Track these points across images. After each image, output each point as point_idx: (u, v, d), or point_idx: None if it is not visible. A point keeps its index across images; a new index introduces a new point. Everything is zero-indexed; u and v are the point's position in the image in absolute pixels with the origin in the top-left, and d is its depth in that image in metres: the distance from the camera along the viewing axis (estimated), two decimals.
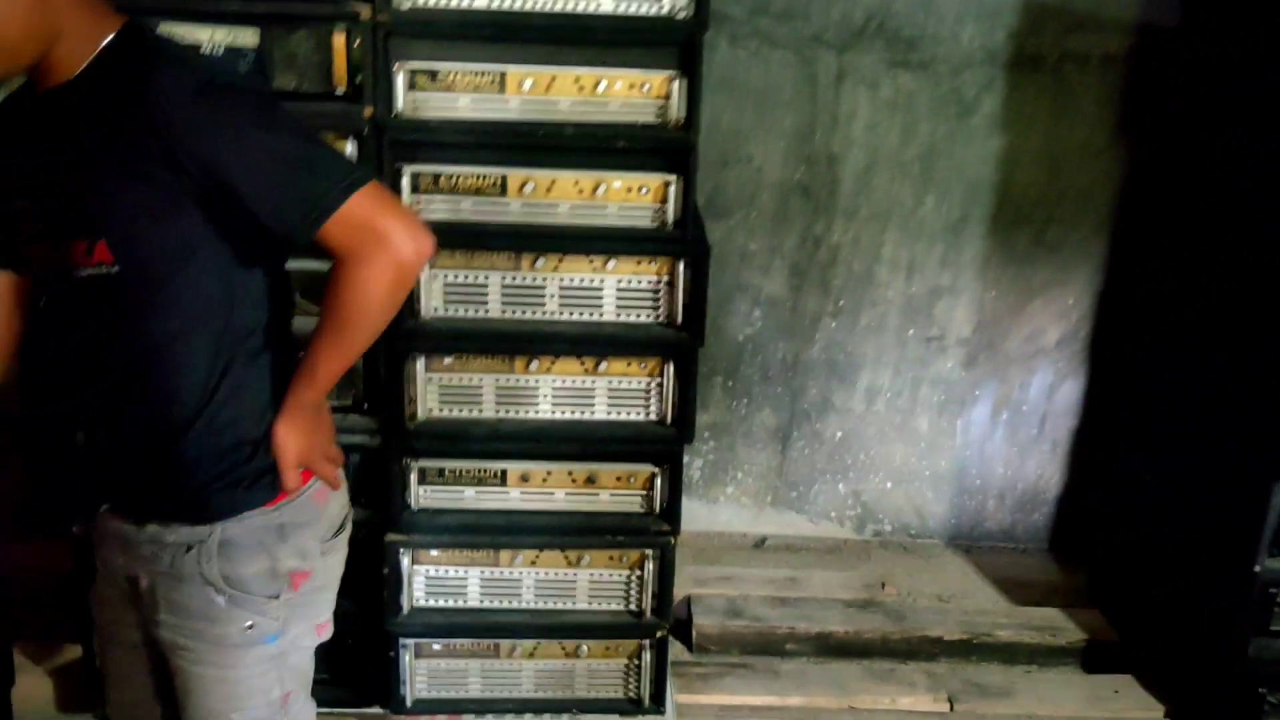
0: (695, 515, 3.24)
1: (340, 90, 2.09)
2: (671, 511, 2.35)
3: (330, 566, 1.63)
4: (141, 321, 1.40)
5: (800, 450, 3.24)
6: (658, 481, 2.33)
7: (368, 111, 2.09)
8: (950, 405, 3.19)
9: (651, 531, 2.34)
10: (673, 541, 2.34)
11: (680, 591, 2.88)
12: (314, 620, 1.62)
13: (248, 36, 2.09)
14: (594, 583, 2.40)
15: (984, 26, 2.89)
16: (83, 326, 1.44)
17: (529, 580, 2.39)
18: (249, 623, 1.51)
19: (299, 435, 1.48)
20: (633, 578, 2.39)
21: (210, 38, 2.10)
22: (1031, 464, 3.24)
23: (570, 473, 2.33)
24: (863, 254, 3.06)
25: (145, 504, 1.50)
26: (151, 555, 1.50)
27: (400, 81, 2.10)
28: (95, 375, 1.45)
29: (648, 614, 2.41)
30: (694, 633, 2.84)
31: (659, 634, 2.41)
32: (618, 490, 2.35)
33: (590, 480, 2.34)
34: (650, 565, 2.36)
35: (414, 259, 1.37)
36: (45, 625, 2.54)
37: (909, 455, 3.24)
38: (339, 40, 2.07)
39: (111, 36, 1.37)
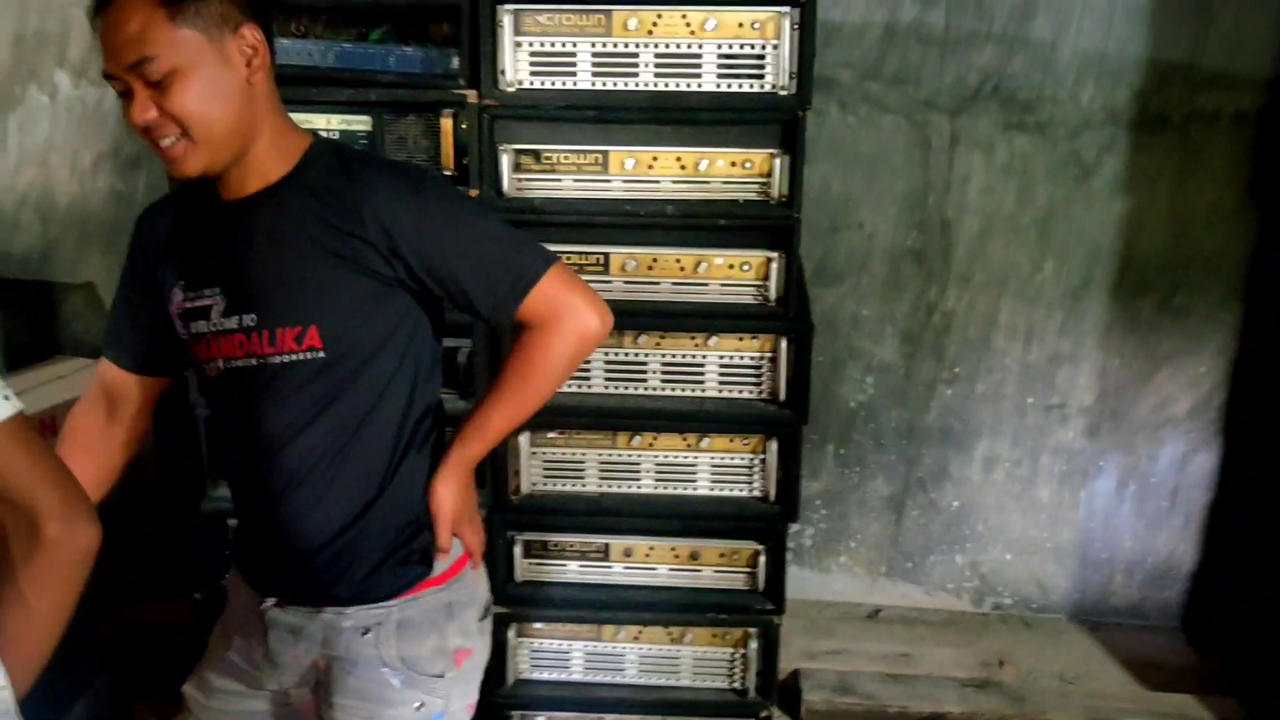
0: (807, 585, 3.18)
1: (448, 172, 2.15)
2: (775, 590, 2.31)
3: (485, 645, 1.66)
4: (339, 403, 1.46)
5: (915, 519, 3.16)
6: (761, 559, 2.30)
7: (474, 193, 2.14)
8: (1073, 475, 3.06)
9: (755, 610, 2.31)
10: (776, 621, 2.30)
11: (790, 664, 2.82)
12: (468, 699, 1.64)
13: (361, 122, 2.17)
14: (697, 659, 2.38)
15: (1105, 86, 2.80)
16: (278, 411, 1.47)
17: (632, 655, 2.38)
18: (419, 702, 1.53)
19: (456, 493, 1.53)
20: (736, 656, 2.36)
21: (326, 123, 2.19)
22: (1162, 538, 3.08)
23: (673, 548, 2.32)
24: (978, 320, 2.98)
25: (321, 589, 1.52)
26: (325, 640, 1.52)
27: (506, 163, 2.15)
28: (288, 458, 1.48)
29: (752, 693, 2.37)
30: (802, 709, 2.77)
31: (763, 714, 2.36)
32: (721, 567, 2.32)
33: (693, 556, 2.32)
34: (754, 644, 2.33)
35: (599, 329, 1.48)
36: (170, 685, 2.63)
37: (1029, 526, 3.12)
38: (446, 124, 2.13)
39: (309, 144, 1.47)
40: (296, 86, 2.13)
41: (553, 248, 2.15)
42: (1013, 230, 2.92)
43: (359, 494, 1.49)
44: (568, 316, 1.45)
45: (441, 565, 1.55)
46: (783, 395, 2.20)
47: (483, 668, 1.66)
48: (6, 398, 1.06)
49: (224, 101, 1.36)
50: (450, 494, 1.52)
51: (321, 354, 1.42)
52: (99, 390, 1.62)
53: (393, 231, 1.40)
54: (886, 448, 3.11)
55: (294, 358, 1.43)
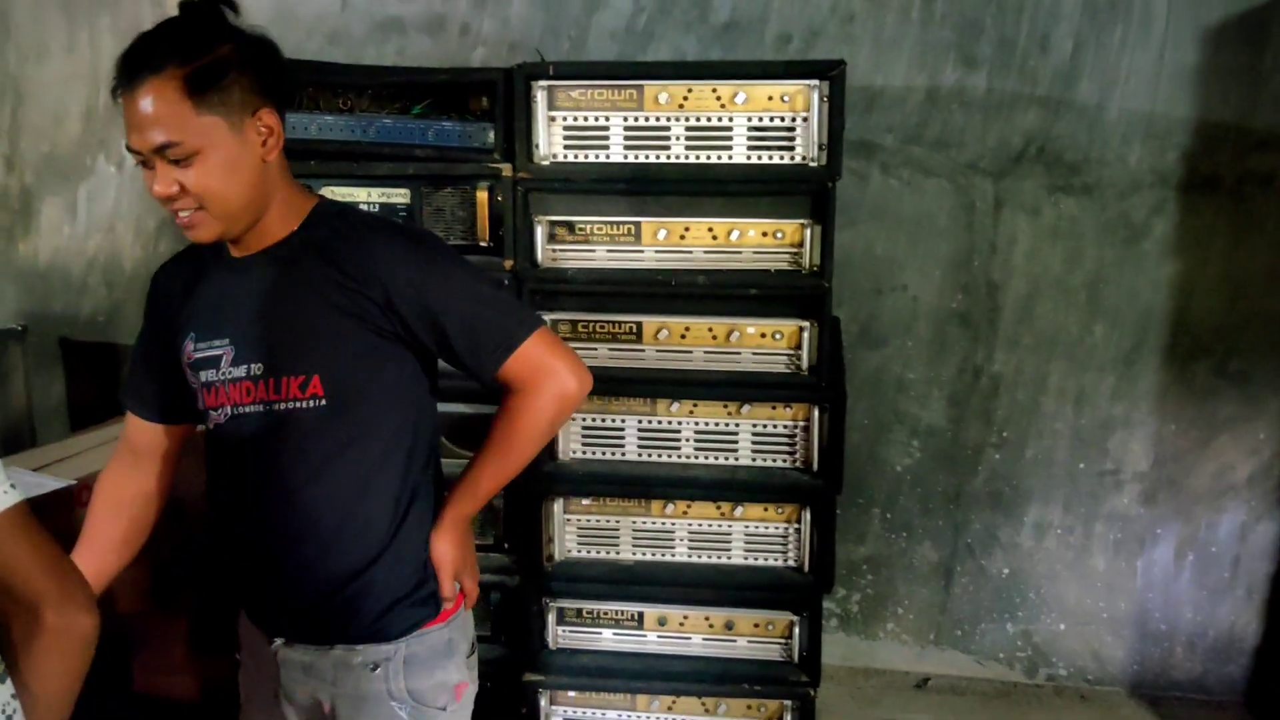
0: (854, 651, 3.12)
1: (484, 243, 2.19)
2: (811, 661, 2.28)
3: (475, 681, 1.70)
4: (345, 453, 1.51)
5: (965, 586, 3.09)
6: (796, 630, 2.27)
7: (509, 263, 2.17)
8: (1128, 544, 2.98)
9: (790, 681, 2.28)
10: (812, 693, 2.26)
11: None
12: None
13: (400, 195, 2.23)
14: None
15: (1153, 148, 2.76)
16: (286, 458, 1.52)
17: None
18: None
19: (457, 547, 1.60)
20: None
21: (367, 196, 2.25)
22: (1224, 610, 2.98)
23: (707, 617, 2.31)
24: (1027, 384, 2.93)
25: (332, 629, 1.56)
26: (335, 678, 1.56)
27: (540, 234, 2.18)
28: (297, 507, 1.52)
29: None
30: None
31: None
32: (756, 637, 2.30)
33: (728, 626, 2.30)
34: (789, 717, 2.29)
35: (577, 393, 1.53)
36: None
37: (1084, 596, 3.03)
38: (482, 196, 2.18)
39: (313, 207, 1.54)
40: (339, 161, 2.20)
41: (586, 317, 2.22)
42: (1061, 293, 2.87)
43: (368, 543, 1.53)
44: (548, 379, 1.51)
45: (436, 610, 1.60)
46: (816, 464, 2.19)
47: (473, 702, 1.70)
48: (8, 490, 1.09)
49: (240, 179, 1.43)
50: (450, 548, 1.59)
51: (324, 402, 1.47)
52: (125, 446, 1.69)
53: (389, 287, 1.45)
54: (934, 512, 3.05)
55: (298, 405, 1.47)
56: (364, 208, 2.21)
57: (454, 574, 1.59)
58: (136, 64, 1.38)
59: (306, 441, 1.49)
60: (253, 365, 1.49)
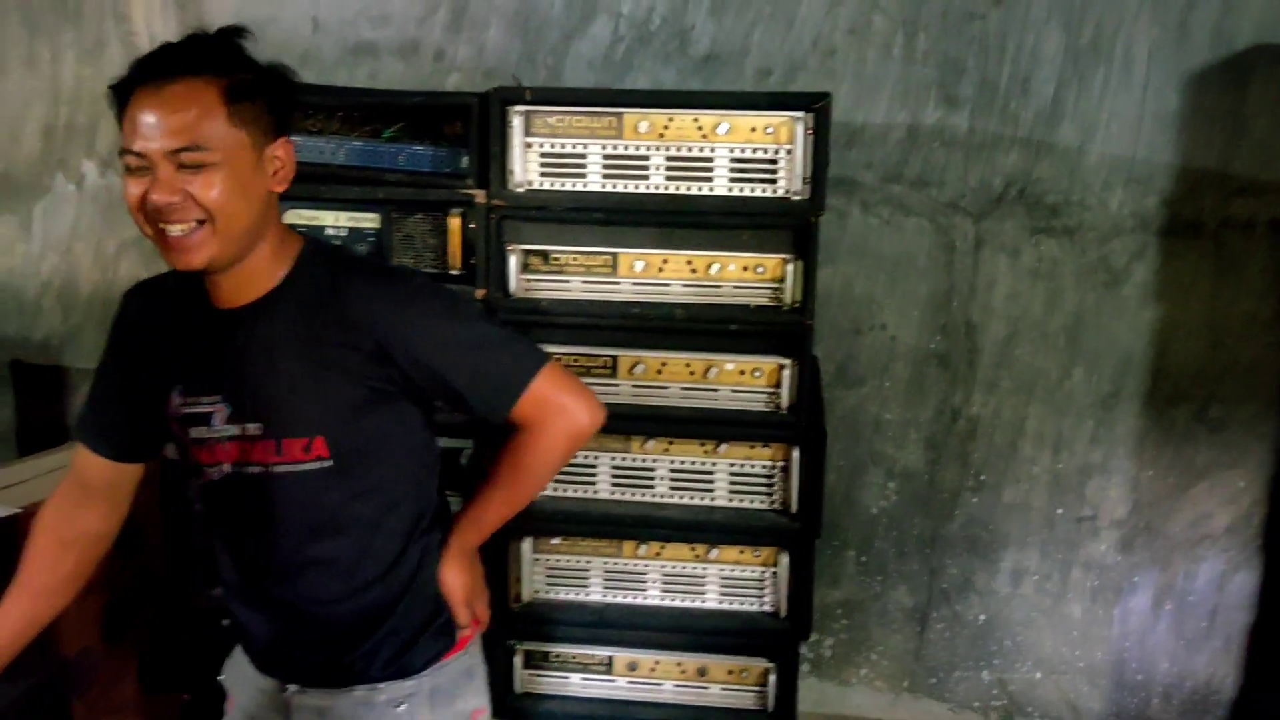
0: (826, 698, 3.05)
1: (455, 271, 2.13)
2: (786, 710, 2.21)
3: (489, 703, 1.68)
4: (352, 507, 1.46)
5: (939, 633, 3.03)
6: (772, 678, 2.20)
7: (480, 292, 2.11)
8: (1105, 591, 2.93)
9: None
10: None
11: None
12: None
13: (369, 220, 2.16)
14: None
15: (1134, 192, 2.74)
16: (291, 517, 1.46)
17: None
18: None
19: (465, 575, 1.58)
20: None
21: (334, 220, 2.18)
22: (1201, 660, 2.93)
23: (679, 663, 2.23)
24: (1005, 427, 2.89)
25: (353, 670, 1.52)
26: (354, 718, 1.52)
27: (513, 263, 2.12)
28: (307, 556, 1.47)
29: None
30: None
31: None
32: (729, 684, 2.23)
33: (701, 673, 2.22)
34: None
35: (589, 426, 1.50)
36: None
37: (1060, 644, 2.98)
38: (454, 223, 2.11)
39: (299, 250, 1.46)
40: (307, 183, 2.12)
41: (560, 349, 2.15)
42: (1040, 336, 2.84)
43: (387, 583, 1.50)
44: (559, 416, 1.47)
45: (457, 638, 1.59)
46: (795, 506, 2.13)
47: None
48: None
49: (249, 201, 1.35)
50: (459, 578, 1.57)
51: (329, 463, 1.43)
52: (73, 481, 1.58)
53: (384, 340, 1.40)
54: (909, 556, 3.00)
55: (302, 468, 1.43)
56: (330, 232, 2.15)
57: (465, 601, 1.58)
58: (171, 63, 1.32)
59: (313, 498, 1.45)
60: (249, 425, 1.43)
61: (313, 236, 1.52)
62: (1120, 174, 2.74)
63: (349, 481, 1.45)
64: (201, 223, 1.32)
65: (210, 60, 1.33)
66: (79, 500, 1.57)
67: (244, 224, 1.35)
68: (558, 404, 1.47)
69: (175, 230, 1.32)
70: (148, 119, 1.30)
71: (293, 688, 1.54)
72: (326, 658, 1.52)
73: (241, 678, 1.60)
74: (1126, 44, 2.69)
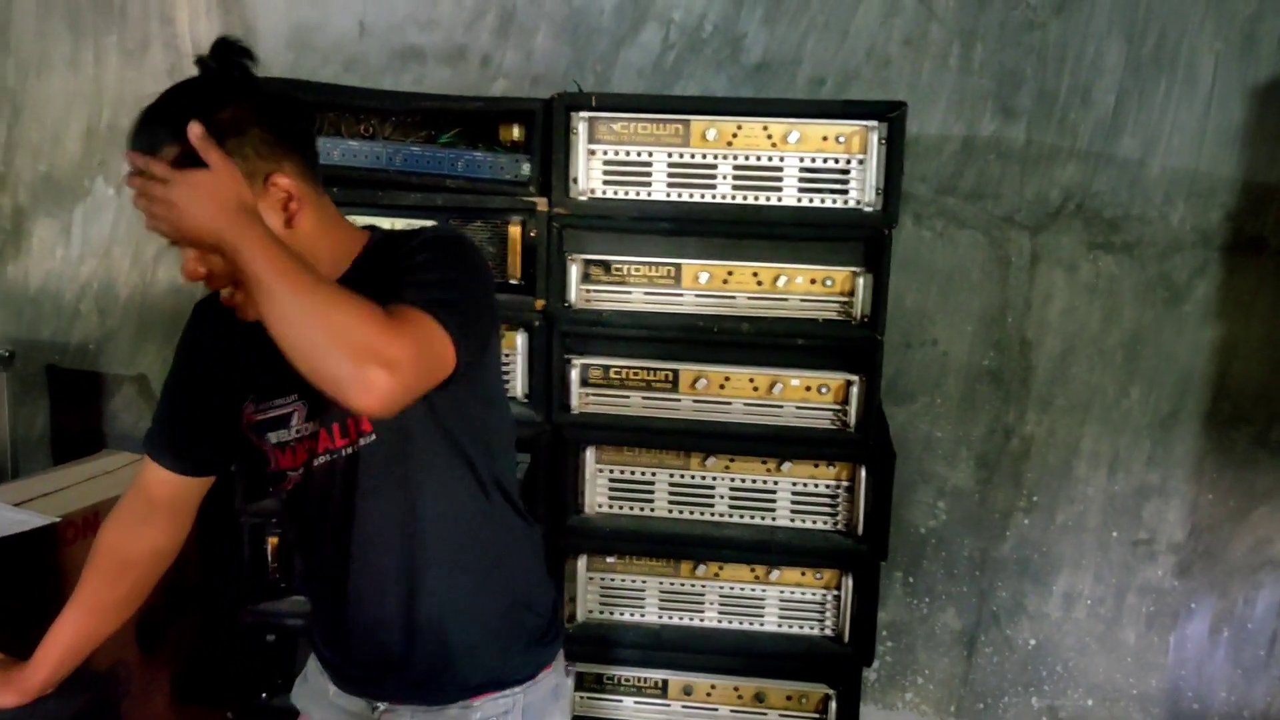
0: None
1: (514, 280, 2.07)
2: None
3: None
4: (406, 481, 1.39)
5: (988, 657, 2.96)
6: (832, 704, 2.14)
7: (540, 303, 2.05)
8: (1161, 617, 2.86)
9: None
10: None
11: None
12: None
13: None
14: None
15: (1196, 207, 2.68)
16: (368, 503, 1.41)
17: None
18: None
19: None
20: None
21: (390, 226, 2.12)
22: (1259, 690, 2.86)
23: (736, 688, 2.17)
24: (1059, 447, 2.82)
25: (454, 685, 1.47)
26: None
27: (574, 273, 2.07)
28: (408, 550, 1.42)
29: None
30: None
31: None
32: (788, 711, 2.17)
33: (758, 698, 2.16)
34: None
35: (381, 383, 1.16)
36: None
37: (1113, 670, 2.91)
38: (514, 231, 2.06)
39: (365, 243, 1.42)
40: (362, 189, 2.08)
41: (620, 362, 2.09)
42: (1097, 353, 2.77)
43: (463, 572, 1.44)
44: (394, 336, 1.17)
45: (554, 651, 1.54)
46: (860, 528, 2.06)
47: None
48: None
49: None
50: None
51: (372, 436, 1.37)
52: (138, 497, 1.54)
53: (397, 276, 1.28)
54: (959, 578, 2.93)
55: (350, 449, 1.37)
56: None
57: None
58: (136, 147, 1.26)
59: (377, 481, 1.38)
60: (327, 415, 1.38)
61: (380, 229, 1.47)
62: (1182, 188, 2.68)
63: (396, 454, 1.37)
64: (234, 286, 1.31)
65: (163, 132, 1.25)
66: (142, 516, 1.54)
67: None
68: (407, 334, 1.19)
69: (222, 294, 1.34)
70: None
71: (382, 706, 1.48)
72: (421, 673, 1.46)
73: (318, 697, 1.55)
74: (1190, 55, 2.63)
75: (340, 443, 1.39)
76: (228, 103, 1.29)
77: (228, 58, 1.34)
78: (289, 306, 1.17)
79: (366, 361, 1.14)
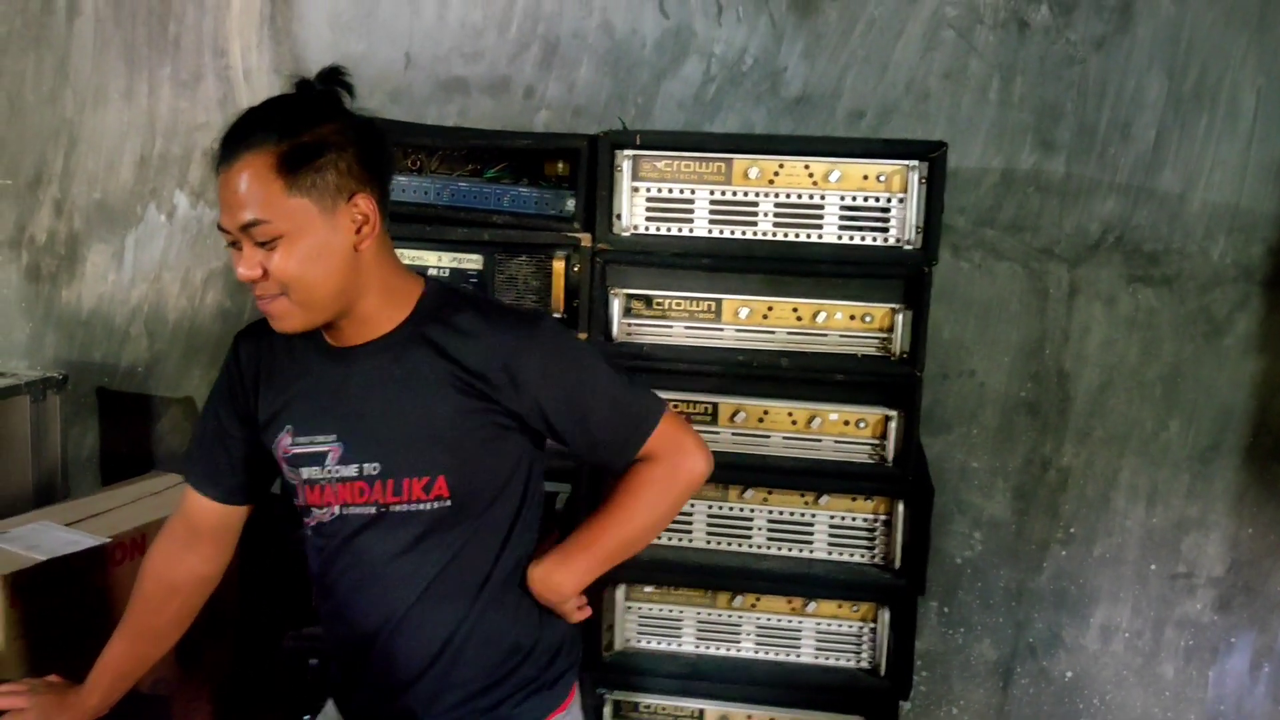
0: None
1: (557, 314, 2.11)
2: None
3: None
4: (468, 543, 1.44)
5: (1024, 689, 2.95)
6: None
7: (583, 335, 2.09)
8: (1200, 651, 2.84)
9: None
10: None
11: None
12: None
13: (472, 260, 2.14)
14: None
15: (1238, 241, 2.68)
16: (404, 560, 1.44)
17: None
18: None
19: (568, 574, 1.51)
20: None
21: (438, 260, 2.17)
22: None
23: (772, 718, 2.17)
24: (1097, 479, 2.82)
25: None
26: None
27: (616, 307, 2.10)
28: (423, 608, 1.45)
29: None
30: None
31: None
32: None
33: None
34: None
35: (704, 472, 1.52)
36: None
37: (1151, 704, 2.89)
38: (558, 265, 2.10)
39: (421, 293, 1.46)
40: (410, 224, 2.12)
41: (661, 395, 2.11)
42: (1136, 385, 2.77)
43: (500, 641, 1.48)
44: (679, 455, 1.49)
45: (564, 694, 1.55)
46: (898, 562, 2.08)
47: None
48: None
49: (327, 268, 1.35)
50: (561, 574, 1.52)
51: (449, 502, 1.42)
52: (181, 524, 1.58)
53: (517, 376, 1.40)
54: (994, 609, 2.93)
55: (420, 507, 1.41)
56: (433, 272, 2.14)
57: (571, 597, 1.54)
58: (235, 139, 1.33)
59: (428, 540, 1.43)
60: (366, 465, 1.41)
61: (435, 278, 1.53)
62: (1223, 222, 2.68)
63: (466, 521, 1.43)
64: (282, 293, 1.35)
65: (269, 127, 1.33)
66: (186, 542, 1.57)
67: (326, 290, 1.36)
68: (679, 444, 1.49)
69: (263, 300, 1.37)
70: (222, 198, 1.34)
71: None
72: (436, 717, 1.49)
73: None
74: (1232, 91, 2.63)
75: (392, 499, 1.42)
76: (331, 119, 1.36)
77: (332, 83, 1.40)
78: (643, 540, 1.55)
79: (698, 485, 1.53)
